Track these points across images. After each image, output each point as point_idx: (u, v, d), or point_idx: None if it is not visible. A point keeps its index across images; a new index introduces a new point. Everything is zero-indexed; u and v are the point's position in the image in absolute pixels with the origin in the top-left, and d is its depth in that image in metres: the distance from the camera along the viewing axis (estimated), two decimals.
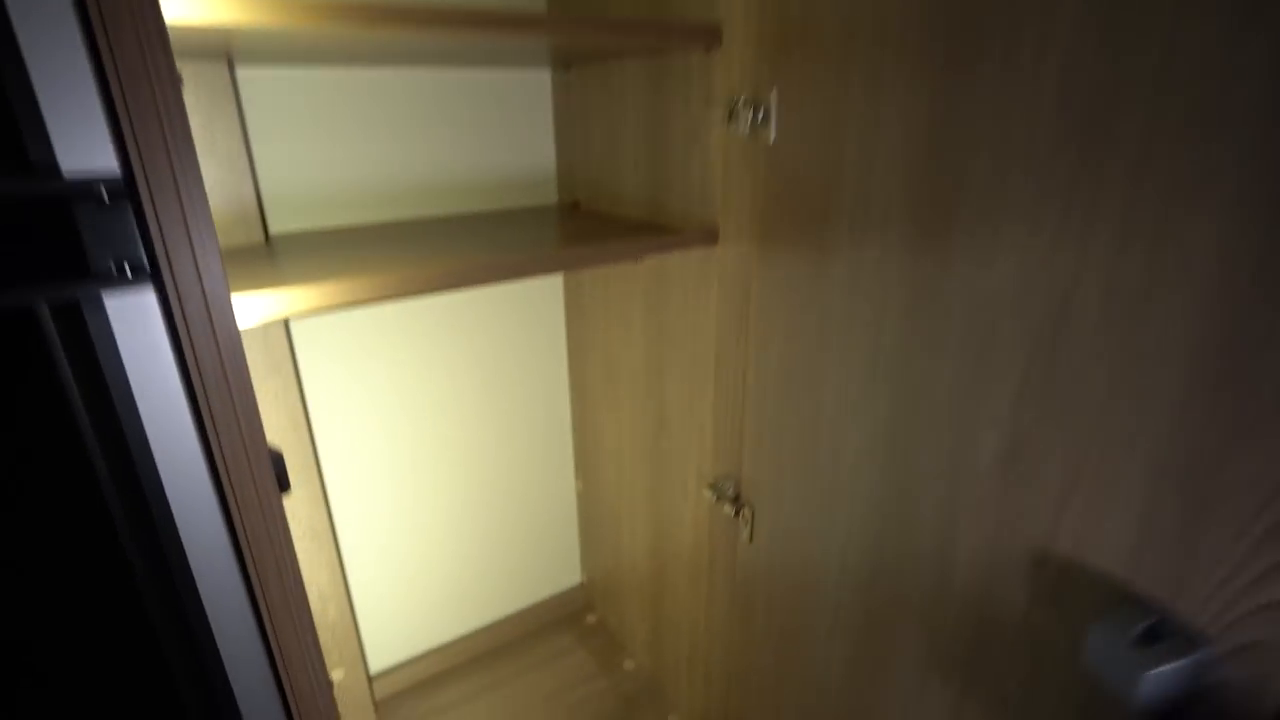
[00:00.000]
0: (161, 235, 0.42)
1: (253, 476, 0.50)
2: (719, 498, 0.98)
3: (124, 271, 0.42)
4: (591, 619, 1.61)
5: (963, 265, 0.57)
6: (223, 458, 0.49)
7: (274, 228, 1.04)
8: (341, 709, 1.28)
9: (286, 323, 1.07)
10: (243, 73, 0.95)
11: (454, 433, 1.33)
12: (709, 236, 0.90)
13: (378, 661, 1.39)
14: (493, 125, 1.19)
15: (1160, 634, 0.48)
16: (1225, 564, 0.45)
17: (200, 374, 0.46)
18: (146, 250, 0.43)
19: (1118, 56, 0.45)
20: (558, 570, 1.62)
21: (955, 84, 0.55)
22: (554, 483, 1.52)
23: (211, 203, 0.93)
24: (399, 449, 1.27)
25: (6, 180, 0.38)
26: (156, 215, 0.42)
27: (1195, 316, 0.43)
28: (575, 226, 1.02)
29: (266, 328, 1.02)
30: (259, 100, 0.98)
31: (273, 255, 0.85)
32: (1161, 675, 0.45)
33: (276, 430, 1.06)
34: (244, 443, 0.49)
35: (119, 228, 0.41)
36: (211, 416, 0.47)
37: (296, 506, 1.12)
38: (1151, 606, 0.49)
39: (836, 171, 0.69)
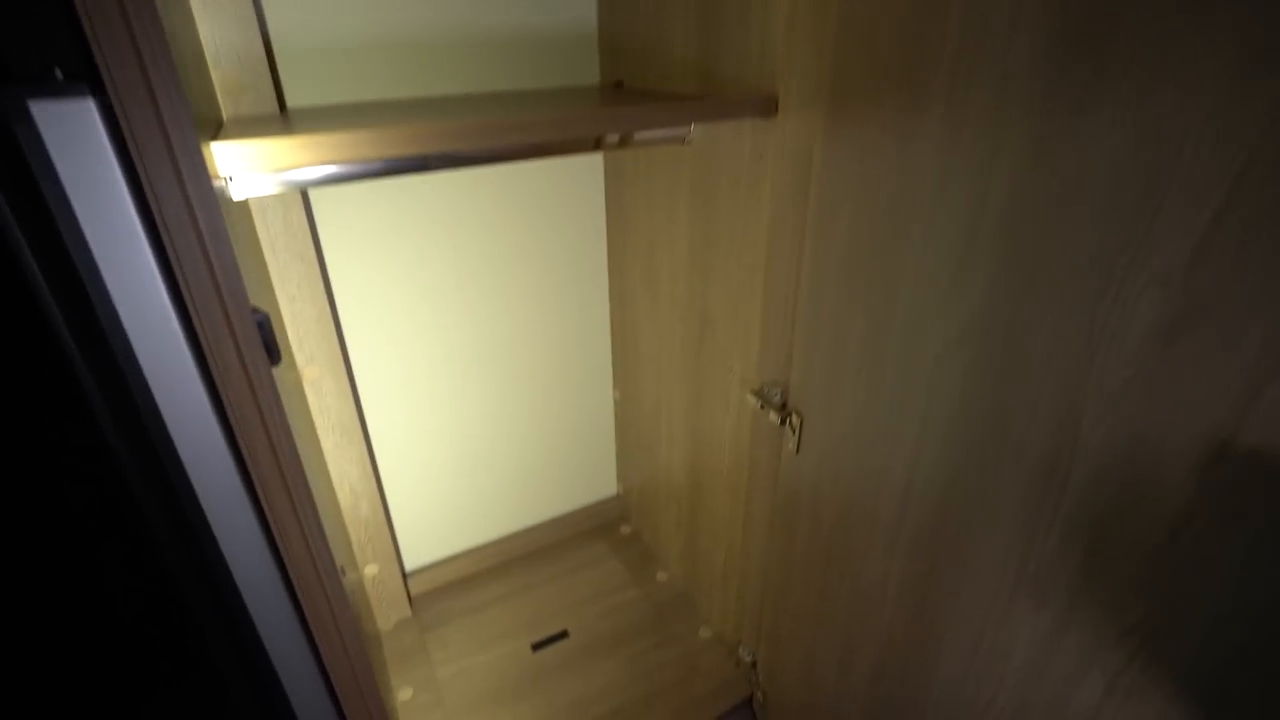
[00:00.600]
0: (92, 26, 0.34)
1: (234, 340, 0.44)
2: (764, 405, 0.90)
3: (52, 73, 0.34)
4: (626, 530, 1.58)
5: (1127, 87, 0.43)
6: (196, 311, 0.42)
7: (291, 100, 0.95)
8: (376, 603, 1.29)
9: (308, 204, 1.00)
10: None
11: (489, 334, 1.27)
12: (767, 106, 0.78)
13: (413, 560, 1.40)
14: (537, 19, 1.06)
15: None
16: None
17: (159, 208, 0.39)
18: (81, 51, 0.35)
19: None
20: (593, 481, 1.59)
21: None
22: (591, 391, 1.47)
23: (215, 59, 0.85)
24: (432, 347, 1.22)
25: None
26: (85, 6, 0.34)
27: None
28: (618, 101, 0.90)
29: (286, 210, 0.95)
30: None
31: (286, 122, 0.77)
32: None
33: (301, 321, 1.02)
34: (220, 297, 0.43)
35: (39, 12, 0.33)
36: (179, 261, 0.40)
37: (325, 400, 1.09)
38: None
39: (942, 11, 0.55)
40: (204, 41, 0.83)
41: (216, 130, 0.71)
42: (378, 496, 1.22)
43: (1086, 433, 0.50)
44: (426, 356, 1.23)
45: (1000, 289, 0.54)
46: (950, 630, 0.66)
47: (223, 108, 0.88)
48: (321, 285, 1.02)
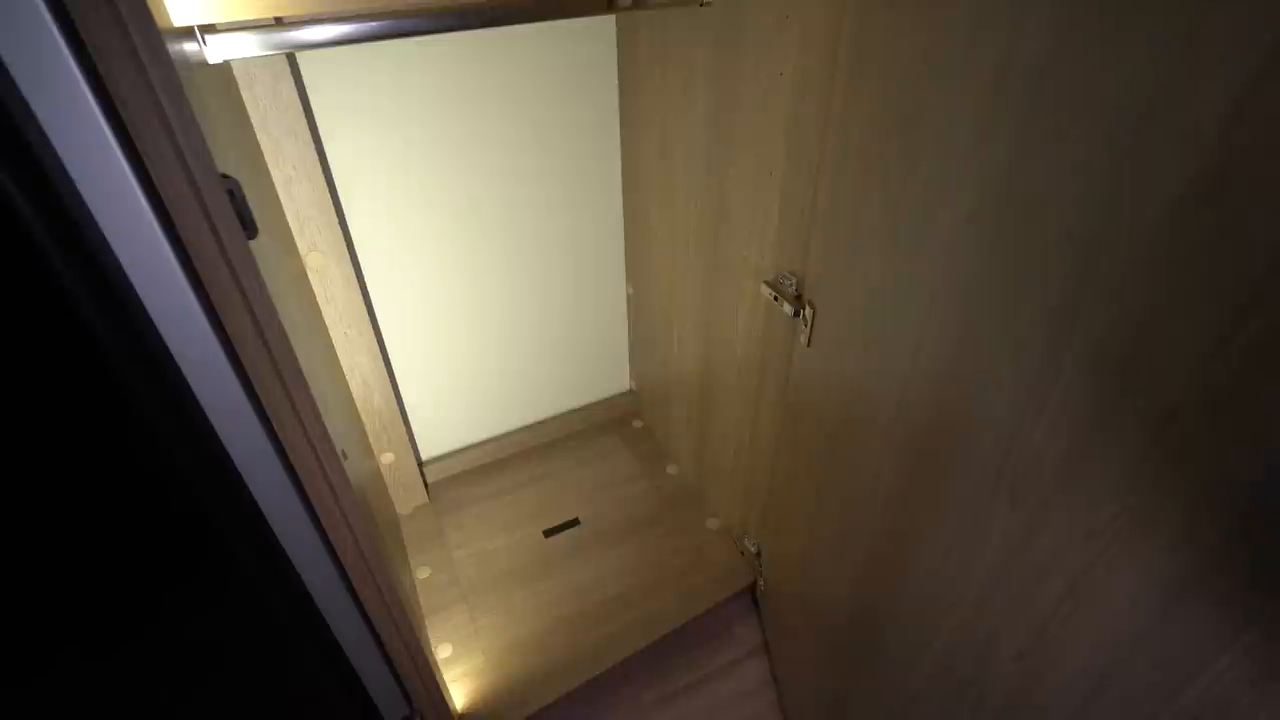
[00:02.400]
0: None
1: (203, 208, 0.41)
2: (778, 296, 0.86)
3: None
4: (638, 424, 1.60)
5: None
6: (161, 186, 0.39)
7: None
8: (393, 489, 1.33)
9: (298, 76, 0.94)
10: None
11: (498, 224, 1.23)
12: None
13: (429, 449, 1.43)
14: None
15: None
16: None
17: (100, 57, 0.35)
18: None
19: None
20: (607, 376, 1.59)
21: None
22: (605, 285, 1.43)
23: None
24: (440, 236, 1.18)
25: None
26: None
27: None
28: None
29: (276, 81, 0.89)
30: None
31: None
32: None
33: (300, 204, 0.98)
34: (183, 162, 0.39)
35: None
36: (129, 118, 0.36)
37: (331, 289, 1.07)
38: None
39: None
40: None
41: None
42: (390, 387, 1.23)
43: (1087, 318, 0.45)
44: (435, 245, 1.19)
45: (1019, 156, 0.48)
46: (928, 530, 0.65)
47: None
48: (319, 166, 0.97)
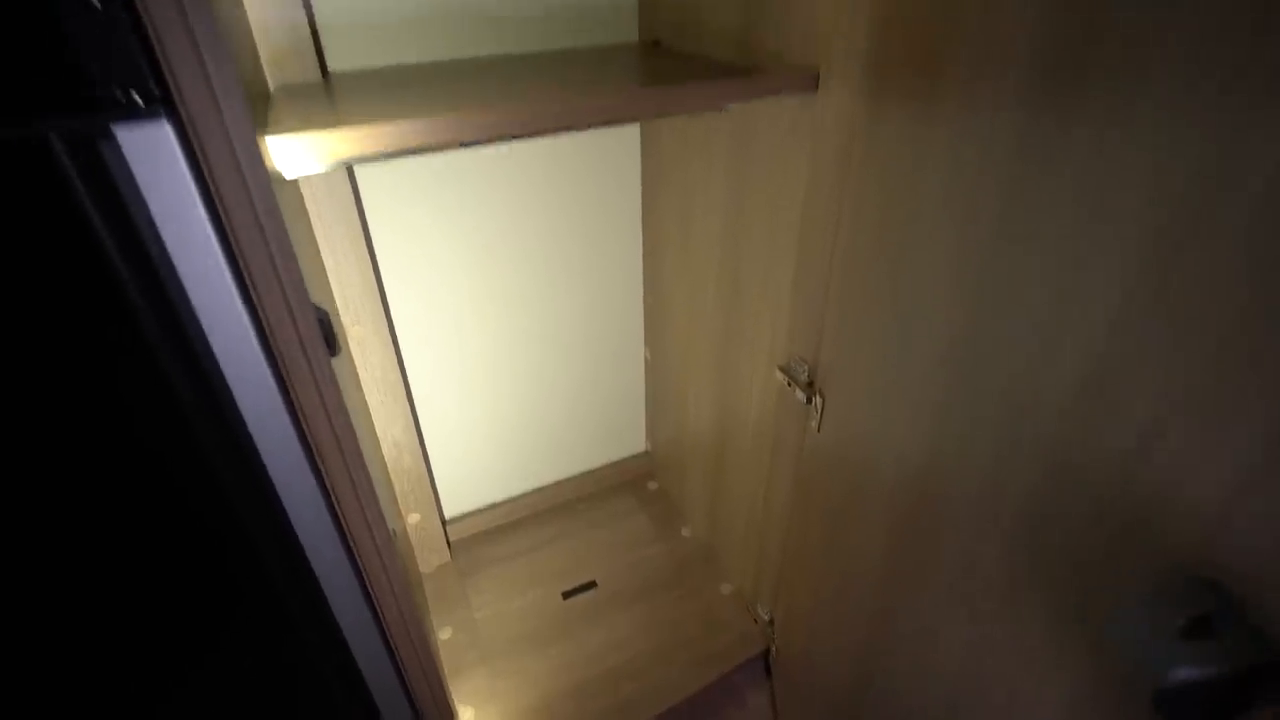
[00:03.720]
0: (165, 55, 0.36)
1: (298, 335, 0.47)
2: (791, 382, 0.92)
3: (132, 100, 0.37)
4: (653, 485, 1.64)
5: (1085, 135, 0.45)
6: (265, 314, 0.46)
7: (332, 65, 0.96)
8: (418, 549, 1.38)
9: (351, 171, 1.03)
10: None
11: (524, 292, 1.30)
12: (808, 82, 0.77)
13: (452, 508, 1.48)
14: None
15: (1214, 627, 0.40)
16: None
17: (228, 218, 0.42)
18: (154, 74, 0.37)
19: None
20: (623, 436, 1.64)
21: None
22: (623, 349, 1.50)
23: (261, 31, 0.86)
24: (469, 305, 1.26)
25: None
26: (155, 27, 0.36)
27: None
28: (656, 67, 0.90)
29: (331, 178, 0.98)
30: None
31: (330, 93, 0.79)
32: (1192, 675, 0.38)
33: (347, 282, 1.06)
34: (285, 299, 0.46)
35: (119, 45, 0.35)
36: (246, 267, 0.43)
37: (369, 357, 1.14)
38: (1220, 590, 0.41)
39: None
40: (251, 17, 0.84)
41: (265, 103, 0.73)
42: (419, 449, 1.28)
43: (1023, 468, 0.53)
44: (464, 313, 1.26)
45: (982, 312, 0.55)
46: (905, 619, 0.70)
47: (269, 77, 0.89)
48: (365, 248, 1.05)
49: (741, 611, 1.30)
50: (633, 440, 1.66)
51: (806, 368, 0.90)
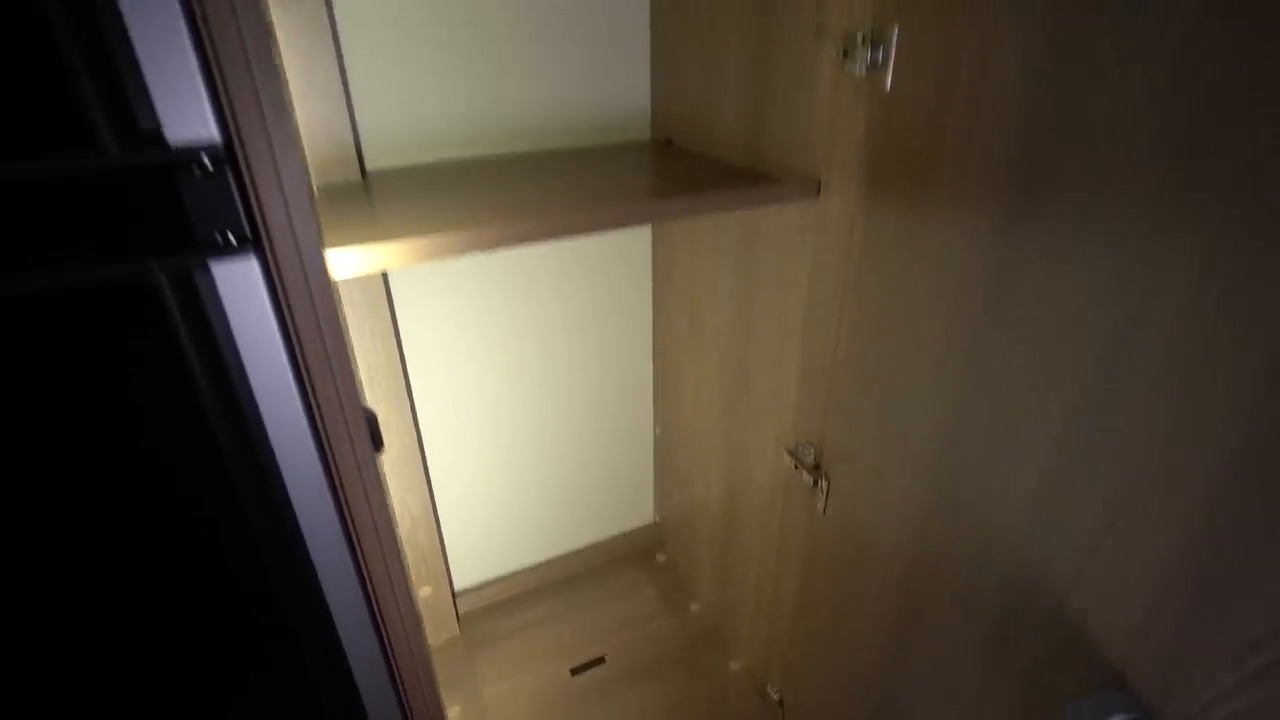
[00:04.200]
0: (259, 204, 0.42)
1: (349, 434, 0.52)
2: (798, 464, 0.95)
3: (228, 240, 0.43)
4: (661, 558, 1.65)
5: (1041, 259, 0.51)
6: (320, 417, 0.50)
7: (370, 164, 1.05)
8: (429, 621, 1.39)
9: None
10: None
11: (540, 369, 1.35)
12: (809, 189, 0.84)
13: (462, 580, 1.49)
14: (589, 55, 1.14)
15: None
16: (1212, 688, 0.41)
17: (299, 339, 0.47)
18: (247, 218, 0.43)
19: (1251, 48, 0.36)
20: (632, 508, 1.66)
21: (1071, 31, 0.46)
22: (633, 424, 1.54)
23: (310, 140, 0.94)
24: (487, 382, 1.31)
25: (120, 153, 0.38)
26: (254, 184, 0.42)
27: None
28: (668, 169, 0.97)
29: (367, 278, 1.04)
30: (354, 28, 0.97)
31: (369, 196, 0.86)
32: None
33: (374, 366, 1.11)
34: (340, 403, 0.51)
35: (221, 196, 0.42)
36: (310, 378, 0.49)
37: (391, 435, 1.18)
38: (1139, 703, 0.45)
39: (942, 129, 0.61)
40: (301, 126, 0.92)
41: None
42: (434, 524, 1.31)
43: (993, 562, 0.57)
44: (482, 391, 1.31)
45: (959, 411, 0.60)
46: (908, 709, 0.72)
47: (313, 178, 0.97)
48: (393, 335, 1.11)
49: (751, 690, 1.29)
50: (641, 511, 1.68)
51: (813, 451, 0.94)
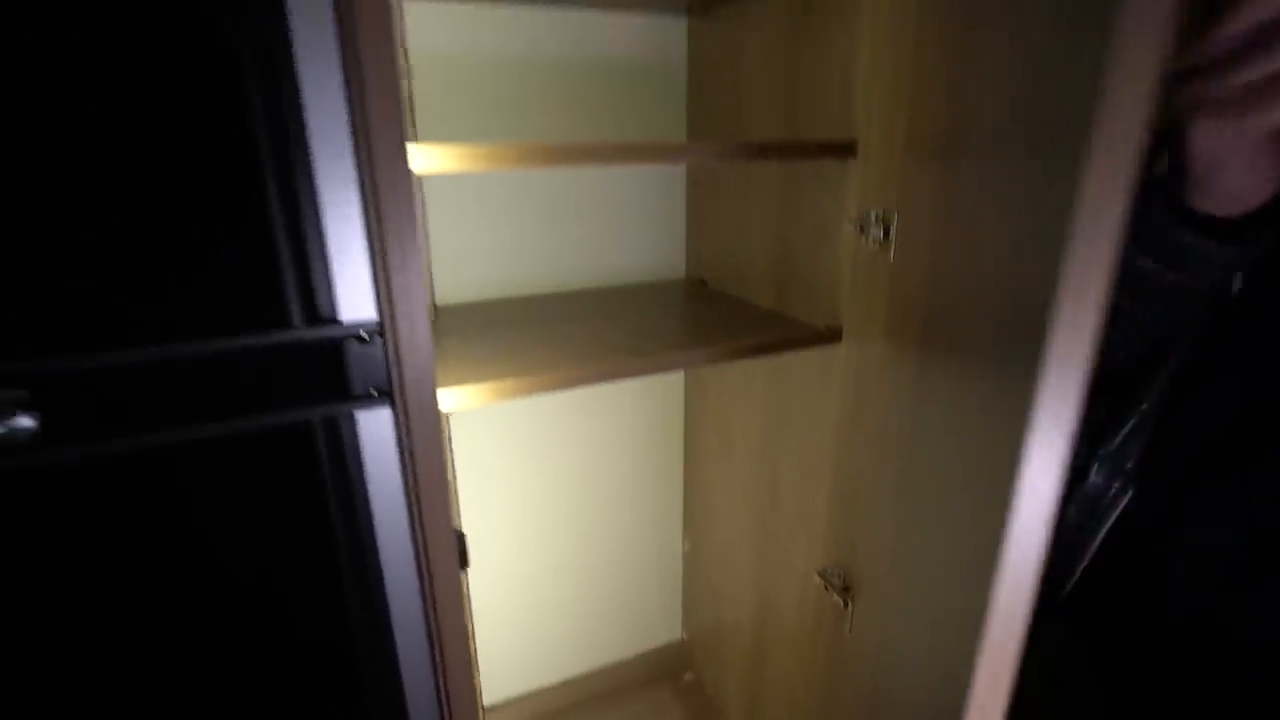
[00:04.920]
0: (399, 365, 0.54)
1: (444, 550, 0.61)
2: (828, 586, 1.01)
3: (371, 394, 0.54)
4: (689, 677, 1.64)
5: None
6: (423, 533, 0.59)
7: (439, 299, 1.19)
8: None
9: None
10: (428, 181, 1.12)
11: (569, 482, 1.43)
12: (832, 335, 0.95)
13: (489, 695, 1.50)
14: (633, 219, 1.31)
15: None
16: None
17: (414, 468, 0.57)
18: (386, 375, 0.54)
19: None
20: (660, 625, 1.68)
21: None
22: (663, 540, 1.59)
23: None
24: (516, 497, 1.39)
25: (308, 330, 0.50)
26: (397, 350, 0.54)
27: None
28: (704, 313, 1.10)
29: None
30: (433, 198, 1.14)
31: (439, 336, 0.98)
32: None
33: None
34: (439, 523, 0.60)
35: (372, 360, 0.53)
36: (419, 500, 0.58)
37: None
38: None
39: (935, 295, 0.72)
40: None
41: None
42: (470, 641, 1.35)
43: None
44: (511, 505, 1.39)
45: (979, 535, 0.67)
46: None
47: None
48: (449, 465, 1.21)
49: None
50: (668, 628, 1.69)
51: (840, 573, 0.99)
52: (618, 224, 1.30)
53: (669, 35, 1.24)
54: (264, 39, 0.44)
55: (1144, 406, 0.59)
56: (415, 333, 0.54)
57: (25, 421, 0.45)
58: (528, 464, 1.37)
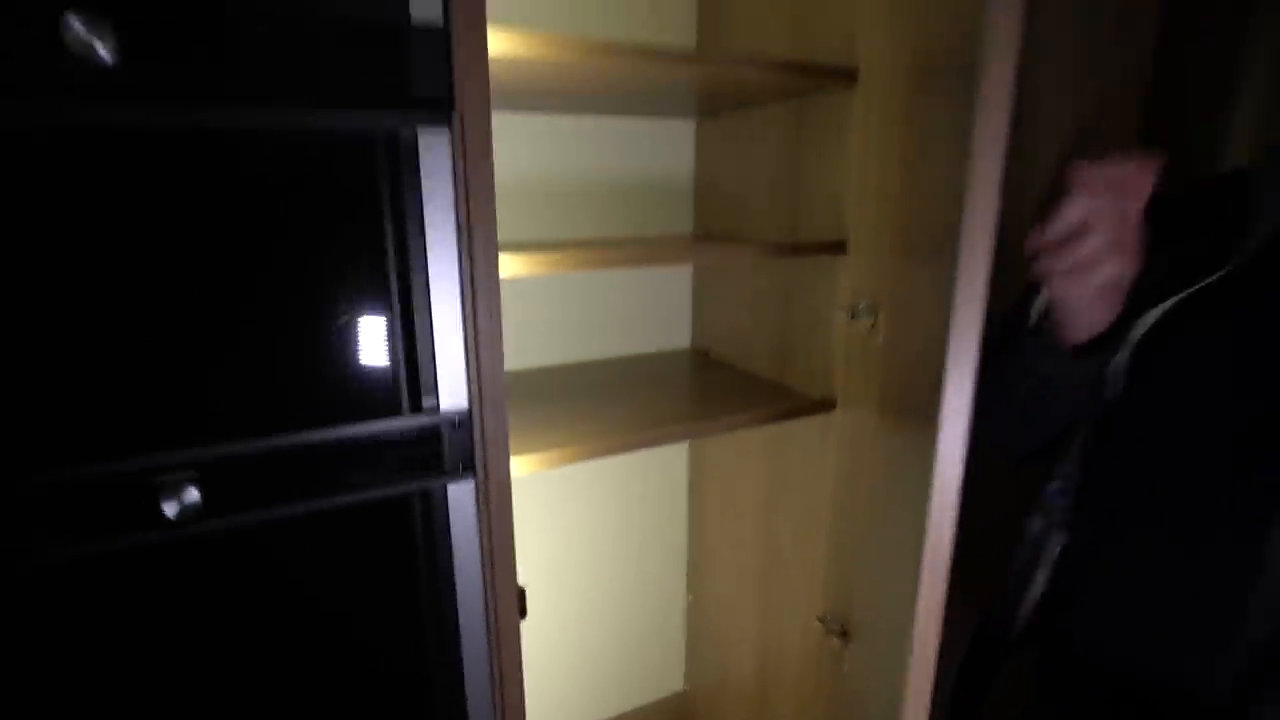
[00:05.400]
0: (484, 445, 0.65)
1: (508, 605, 0.71)
2: (827, 630, 1.11)
3: (459, 469, 0.65)
4: None
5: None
6: (494, 587, 0.70)
7: None
8: None
9: None
10: None
11: (576, 534, 1.52)
12: (827, 405, 1.08)
13: None
14: (643, 305, 1.44)
15: None
16: None
17: (490, 538, 0.68)
18: (472, 453, 0.66)
19: None
20: (663, 676, 1.74)
21: None
22: (667, 594, 1.68)
23: None
24: (526, 560, 1.47)
25: (413, 418, 0.62)
26: (483, 432, 0.65)
27: None
28: (709, 382, 1.23)
29: None
30: None
31: None
32: None
33: None
34: (507, 581, 0.71)
35: (463, 444, 0.65)
36: (492, 565, 0.69)
37: None
38: None
39: (917, 372, 0.86)
40: None
41: None
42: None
43: None
44: (522, 563, 1.47)
45: None
46: None
47: None
48: None
49: None
50: (671, 679, 1.76)
51: (839, 620, 1.10)
52: (633, 301, 1.43)
53: (680, 138, 1.40)
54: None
55: (1067, 469, 0.73)
56: (498, 417, 0.66)
57: (194, 495, 0.56)
58: (541, 524, 1.46)
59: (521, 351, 1.34)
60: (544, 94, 1.02)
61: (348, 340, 0.59)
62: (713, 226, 1.41)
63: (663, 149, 1.39)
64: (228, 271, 0.55)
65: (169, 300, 0.53)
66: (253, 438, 0.57)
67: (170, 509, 0.55)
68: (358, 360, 0.60)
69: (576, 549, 1.52)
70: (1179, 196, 0.68)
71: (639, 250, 0.89)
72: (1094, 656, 0.70)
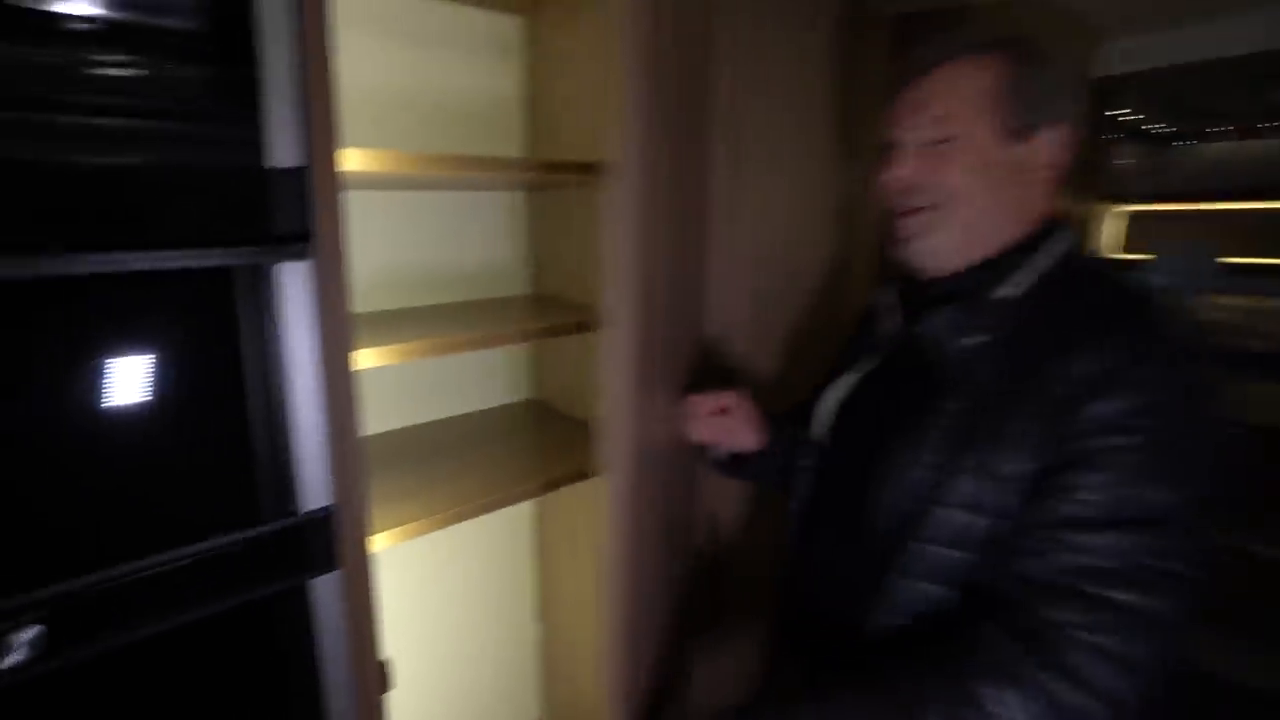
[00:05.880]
0: (351, 542, 0.71)
1: (372, 681, 0.77)
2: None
3: (324, 565, 0.70)
4: None
5: None
6: (361, 664, 0.75)
7: None
8: None
9: None
10: None
11: (420, 567, 1.54)
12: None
13: None
14: (485, 356, 1.51)
15: None
16: None
17: (354, 610, 0.74)
18: (337, 548, 0.71)
19: None
20: (517, 707, 1.79)
21: None
22: (518, 626, 1.74)
23: None
24: (396, 621, 1.47)
25: (275, 522, 0.67)
26: (348, 528, 0.71)
27: None
28: (544, 434, 1.33)
29: None
30: None
31: None
32: None
33: None
34: (372, 653, 0.76)
35: (327, 538, 0.70)
36: (357, 632, 0.74)
37: None
38: None
39: None
40: None
41: None
42: None
43: None
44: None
45: None
46: None
47: None
48: None
49: None
50: (525, 710, 1.82)
51: None
52: (476, 361, 1.50)
53: (517, 205, 1.49)
54: None
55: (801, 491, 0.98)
56: (361, 514, 0.72)
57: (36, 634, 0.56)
58: (407, 586, 1.47)
59: (380, 415, 1.35)
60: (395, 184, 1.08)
61: (212, 455, 0.63)
62: (546, 288, 1.52)
63: (500, 216, 1.49)
64: (81, 404, 0.56)
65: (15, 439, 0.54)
66: (101, 568, 0.59)
67: (16, 655, 0.55)
68: (219, 474, 0.64)
69: (428, 593, 1.54)
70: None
71: (480, 335, 0.99)
72: (810, 606, 0.92)
